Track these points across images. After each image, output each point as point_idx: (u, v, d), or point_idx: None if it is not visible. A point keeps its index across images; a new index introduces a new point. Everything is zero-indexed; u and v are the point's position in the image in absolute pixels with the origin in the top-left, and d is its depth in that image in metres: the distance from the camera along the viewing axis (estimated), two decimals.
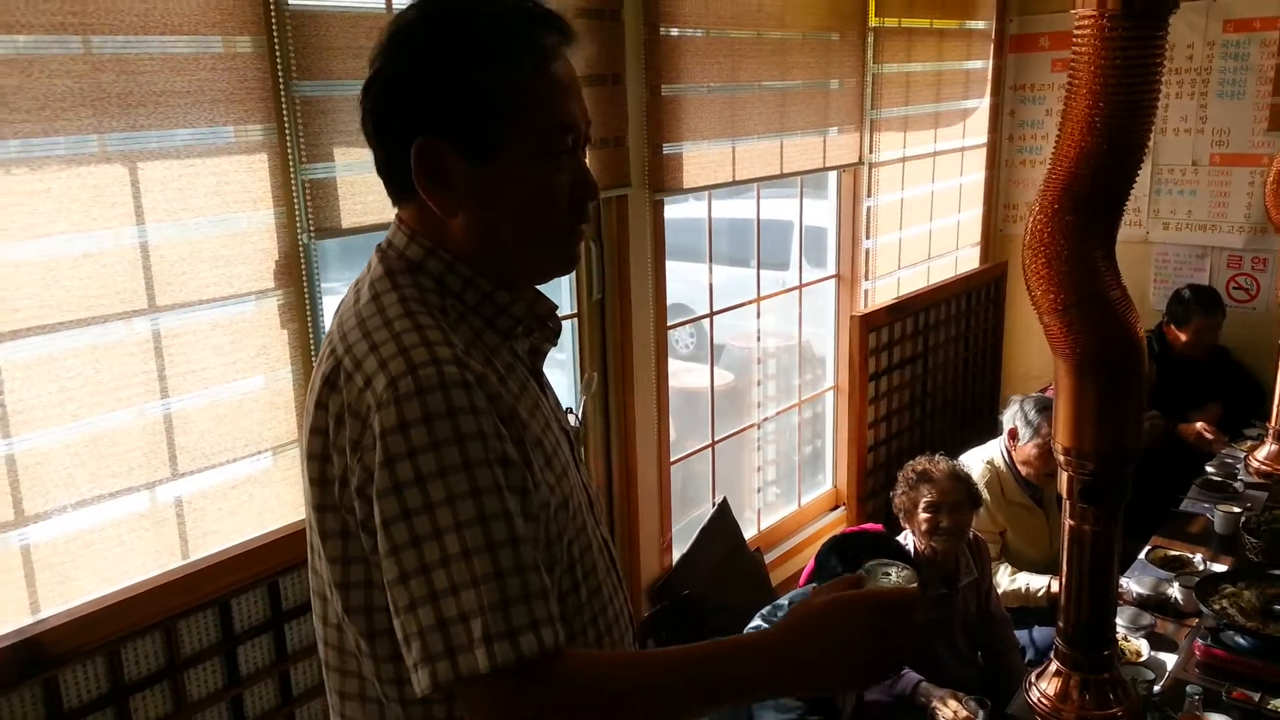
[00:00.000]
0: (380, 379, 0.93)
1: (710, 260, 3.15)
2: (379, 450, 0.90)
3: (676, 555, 2.96)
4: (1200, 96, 4.14)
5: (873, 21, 3.52)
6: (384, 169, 1.05)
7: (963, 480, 2.58)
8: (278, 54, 1.82)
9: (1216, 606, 2.38)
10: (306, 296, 1.93)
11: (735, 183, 3.03)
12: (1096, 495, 1.34)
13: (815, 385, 3.75)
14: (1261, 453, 2.26)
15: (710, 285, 3.17)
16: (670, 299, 2.89)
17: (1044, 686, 1.48)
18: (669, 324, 2.90)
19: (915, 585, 1.03)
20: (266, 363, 1.90)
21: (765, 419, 3.50)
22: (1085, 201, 1.33)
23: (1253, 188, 4.02)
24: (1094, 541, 1.37)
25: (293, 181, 1.87)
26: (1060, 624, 1.43)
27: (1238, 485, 3.32)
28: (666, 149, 2.73)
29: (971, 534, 2.63)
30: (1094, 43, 1.25)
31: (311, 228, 1.91)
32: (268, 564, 1.84)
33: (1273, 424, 2.25)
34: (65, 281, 1.63)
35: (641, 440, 2.77)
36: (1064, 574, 1.43)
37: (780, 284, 3.61)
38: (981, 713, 2.08)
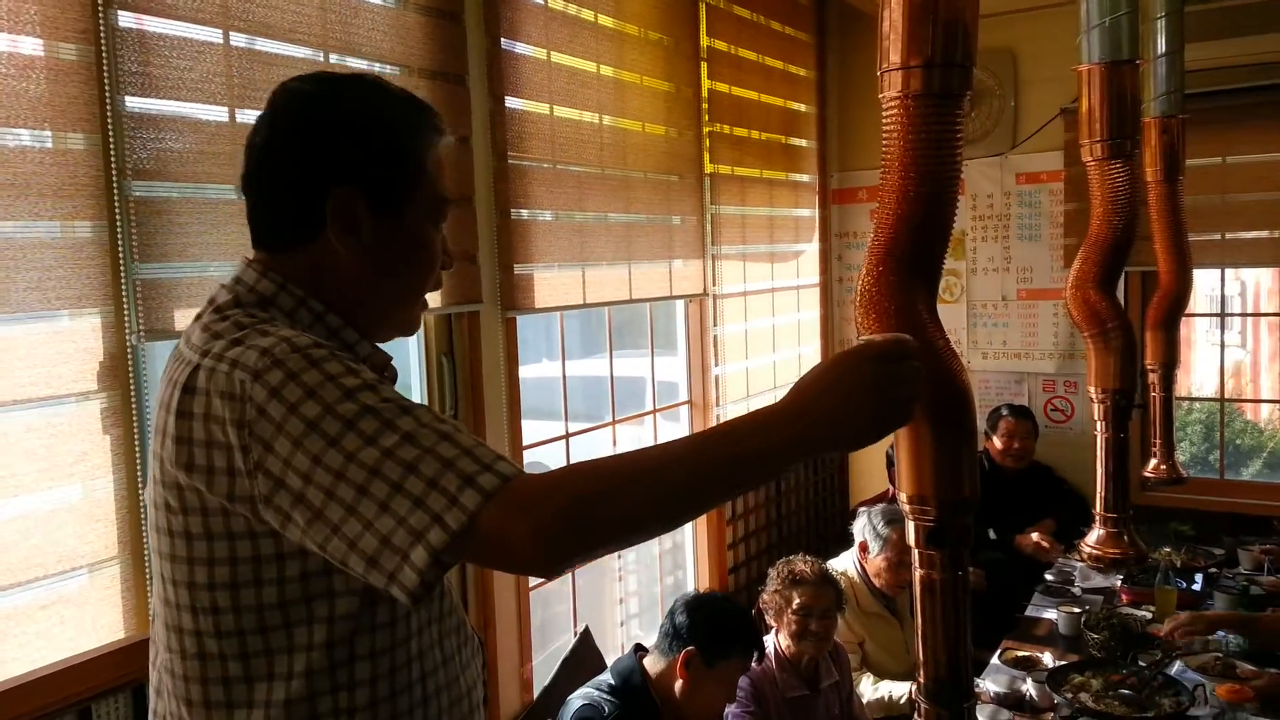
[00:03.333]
0: (250, 354, 0.94)
1: (566, 417, 3.17)
2: (274, 407, 0.90)
3: (537, 690, 2.82)
4: (1004, 239, 4.58)
5: (708, 168, 3.77)
6: (268, 214, 1.09)
7: (833, 585, 2.60)
8: (112, 153, 1.78)
9: (1069, 695, 2.45)
10: (134, 400, 1.81)
11: (586, 305, 3.10)
12: (941, 539, 1.37)
13: None
14: (1091, 538, 2.39)
15: (565, 408, 3.18)
16: (526, 425, 2.87)
17: None
18: (525, 444, 2.87)
19: (908, 337, 1.02)
20: (86, 470, 1.76)
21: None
22: (906, 262, 1.42)
23: (1057, 318, 4.41)
24: (943, 588, 1.39)
25: (123, 280, 1.79)
26: (919, 680, 1.42)
27: (1076, 590, 3.49)
28: (518, 269, 2.78)
29: (833, 643, 2.63)
30: (901, 120, 1.36)
31: (141, 329, 1.82)
32: (79, 687, 1.64)
33: (1099, 511, 2.39)
34: None
35: None
36: (919, 627, 1.43)
37: (637, 422, 3.65)
38: None
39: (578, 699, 1.98)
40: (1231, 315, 5.64)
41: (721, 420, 3.77)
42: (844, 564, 3.11)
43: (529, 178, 2.84)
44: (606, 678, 2.04)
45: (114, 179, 1.78)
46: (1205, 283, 4.86)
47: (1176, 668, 2.73)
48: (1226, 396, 4.57)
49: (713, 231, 3.78)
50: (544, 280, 2.90)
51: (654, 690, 2.01)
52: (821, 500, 4.52)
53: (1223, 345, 4.46)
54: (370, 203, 1.06)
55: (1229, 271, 5.13)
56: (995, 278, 4.59)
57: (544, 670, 2.87)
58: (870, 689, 2.88)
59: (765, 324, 4.21)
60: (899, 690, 2.86)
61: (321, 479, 0.88)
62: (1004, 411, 4.08)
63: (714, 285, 3.78)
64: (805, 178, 4.59)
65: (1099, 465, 2.41)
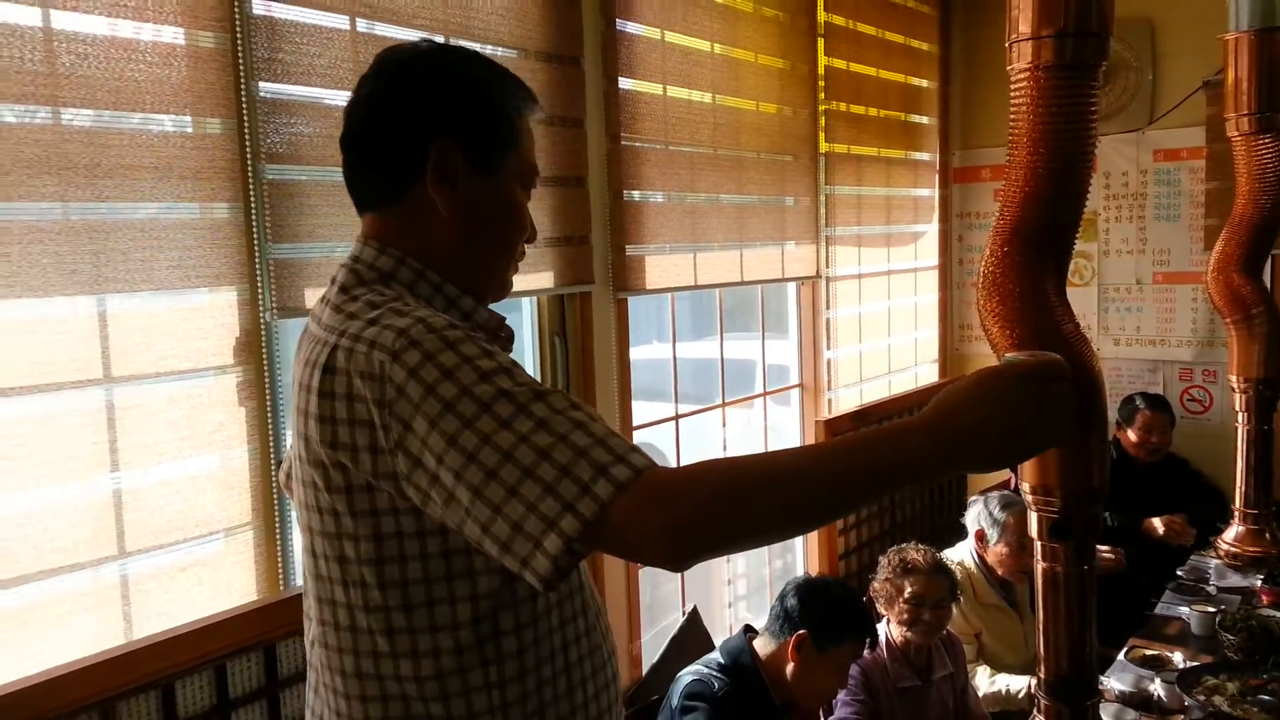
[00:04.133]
0: (387, 334, 0.96)
1: (675, 399, 3.16)
2: (412, 388, 0.92)
3: (646, 667, 2.85)
4: (1139, 219, 4.34)
5: (823, 148, 3.70)
6: (369, 169, 1.11)
7: (946, 575, 2.53)
8: (247, 137, 1.87)
9: (1201, 698, 2.33)
10: (266, 374, 1.91)
11: (698, 286, 3.09)
12: (1066, 531, 1.32)
13: None
14: (1229, 535, 2.26)
15: (675, 389, 3.17)
16: (636, 405, 2.89)
17: None
18: (634, 424, 2.89)
19: (1059, 358, 0.99)
20: (223, 440, 1.86)
21: None
22: (1034, 242, 1.37)
23: (1196, 304, 4.17)
24: (1067, 582, 1.34)
25: (256, 260, 1.88)
26: (1040, 675, 1.38)
27: (1211, 589, 3.30)
28: (629, 250, 2.79)
29: (946, 629, 2.56)
30: (1031, 93, 1.31)
31: (274, 306, 1.90)
32: (215, 645, 1.74)
33: (1238, 506, 2.26)
34: (18, 347, 1.60)
35: None
36: (1040, 621, 1.39)
37: (746, 405, 3.63)
38: None
39: (688, 675, 1.99)
40: None
41: (832, 404, 3.71)
42: (960, 554, 3.02)
43: (641, 159, 2.84)
44: (716, 656, 2.04)
45: (249, 162, 1.87)
46: None
47: None
48: None
49: (827, 213, 3.72)
50: (655, 262, 2.91)
51: (764, 671, 2.00)
52: (937, 488, 4.40)
53: None
54: (467, 157, 1.08)
55: None
56: (1129, 260, 4.36)
57: (652, 649, 2.90)
58: (986, 682, 2.80)
59: (880, 307, 4.12)
60: (1017, 684, 2.77)
61: (455, 461, 0.90)
62: (1139, 403, 3.86)
63: (827, 268, 3.71)
64: (925, 156, 4.46)
65: (1239, 458, 2.29)
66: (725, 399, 3.41)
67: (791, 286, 3.73)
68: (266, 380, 1.91)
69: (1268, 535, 2.24)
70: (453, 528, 0.95)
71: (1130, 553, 3.49)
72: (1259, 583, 3.27)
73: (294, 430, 1.05)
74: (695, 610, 2.97)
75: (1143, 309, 4.31)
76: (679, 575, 3.14)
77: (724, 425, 3.40)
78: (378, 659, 1.02)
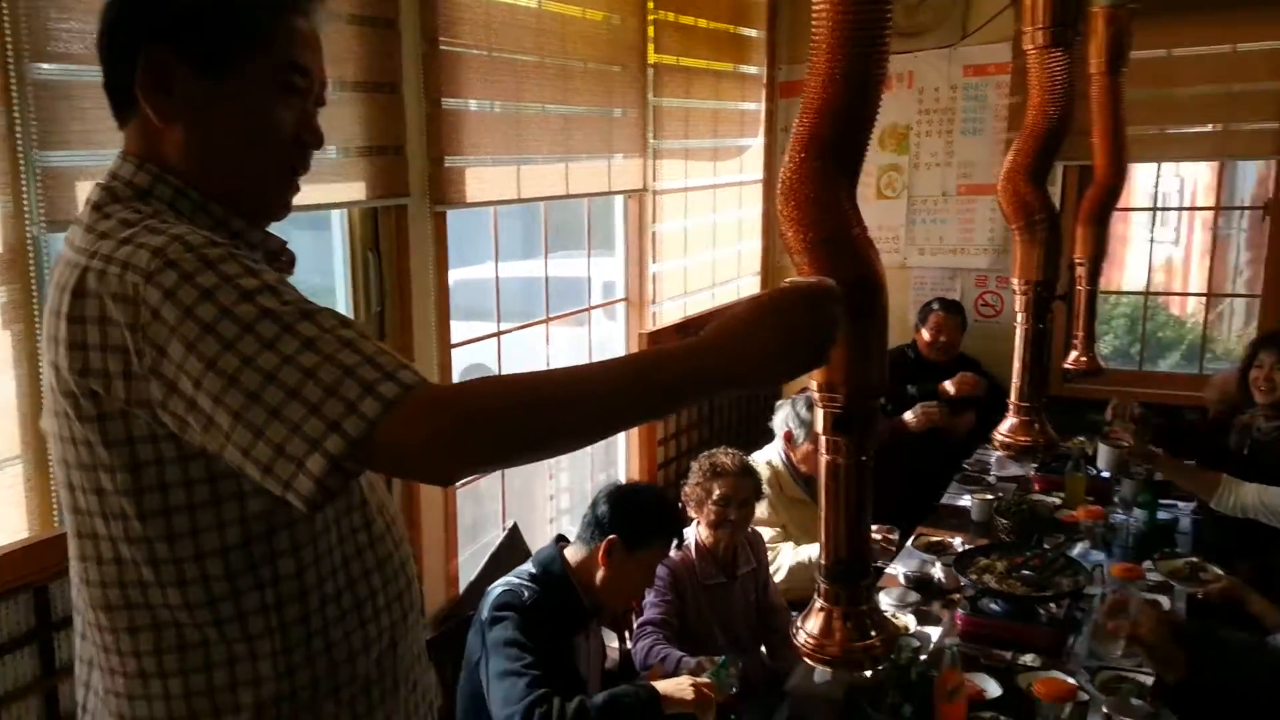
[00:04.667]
0: (141, 254, 0.92)
1: (498, 316, 3.15)
2: (167, 310, 0.89)
3: (463, 586, 2.89)
4: (948, 134, 4.58)
5: (651, 59, 3.69)
6: (109, 83, 1.05)
7: (752, 475, 2.69)
8: (8, 33, 1.71)
9: (973, 576, 2.59)
10: (35, 293, 1.78)
11: (521, 200, 3.08)
12: (848, 425, 1.42)
13: None
14: (1004, 426, 2.48)
15: (497, 305, 3.17)
16: (463, 325, 2.87)
17: (809, 626, 1.55)
18: (453, 342, 2.89)
19: (832, 283, 1.05)
20: None
21: None
22: (829, 150, 1.43)
23: (994, 214, 4.46)
24: (847, 473, 1.45)
25: (22, 168, 1.75)
26: (822, 561, 1.50)
27: (991, 478, 3.65)
28: (449, 162, 2.74)
29: (750, 528, 2.74)
30: (828, 6, 1.36)
31: (43, 219, 1.78)
32: None
33: (1014, 400, 2.48)
34: None
35: None
36: (823, 510, 1.50)
37: (575, 322, 3.67)
38: (731, 669, 2.10)
39: (498, 586, 2.06)
40: (1166, 210, 5.74)
41: (656, 317, 3.81)
42: (768, 455, 3.21)
43: (461, 65, 2.77)
44: (528, 566, 2.12)
45: (10, 61, 1.72)
46: (1145, 179, 4.92)
47: (1078, 549, 2.90)
48: (1151, 290, 4.69)
49: (654, 125, 3.74)
50: (477, 174, 2.87)
51: (574, 577, 2.10)
52: (751, 396, 4.60)
53: (1152, 240, 4.55)
54: (187, 59, 1.01)
55: (1168, 168, 5.19)
56: (937, 173, 4.61)
57: (471, 566, 2.94)
58: (792, 555, 3.02)
59: (706, 221, 4.21)
60: (817, 551, 2.99)
61: (214, 385, 0.87)
62: (934, 306, 4.16)
63: (654, 181, 3.75)
64: (753, 70, 4.52)
65: (1017, 355, 2.48)
66: (549, 315, 3.44)
67: (618, 202, 3.76)
68: (35, 300, 1.78)
69: (1037, 426, 2.47)
70: (214, 453, 0.93)
71: (927, 447, 3.78)
72: (1033, 471, 3.64)
73: (45, 360, 1.01)
74: (515, 526, 3.03)
75: (947, 220, 4.58)
76: (501, 492, 3.18)
77: (548, 342, 3.44)
78: (144, 588, 1.01)
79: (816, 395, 1.52)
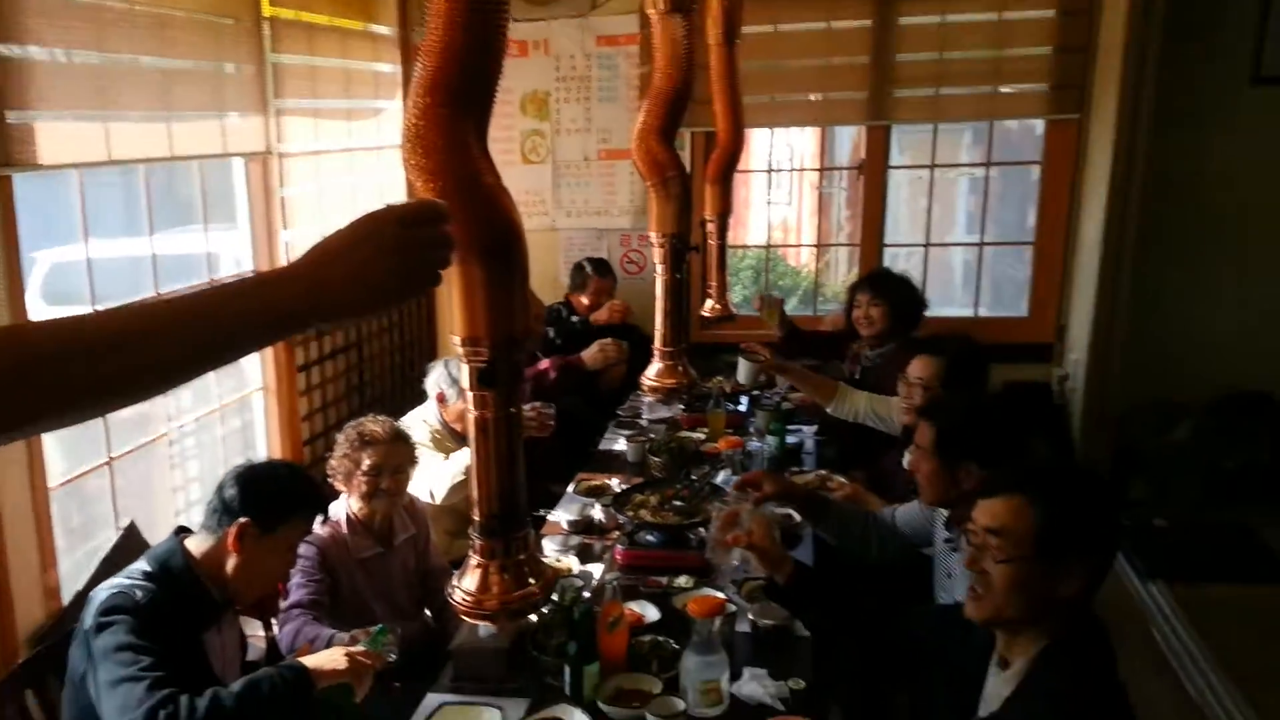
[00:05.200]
0: None
1: (92, 300, 2.74)
2: None
3: (68, 597, 2.53)
4: (586, 101, 4.70)
5: (267, 11, 3.41)
6: None
7: (405, 441, 2.58)
8: None
9: (629, 513, 2.70)
10: None
11: (112, 162, 2.71)
12: (493, 378, 1.39)
13: (240, 390, 3.51)
14: (651, 371, 2.59)
15: (90, 287, 2.76)
16: (59, 311, 2.48)
17: (465, 584, 1.50)
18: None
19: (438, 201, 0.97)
20: None
21: (180, 427, 3.17)
22: (454, 95, 1.37)
23: (633, 177, 4.66)
24: (496, 427, 1.42)
25: None
26: (475, 518, 1.46)
27: (643, 421, 3.84)
28: (12, 117, 2.34)
29: (408, 496, 2.65)
30: None
31: None
32: None
33: (658, 346, 2.60)
34: None
35: (5, 461, 2.31)
36: (474, 466, 1.46)
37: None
38: (389, 636, 2.04)
39: (104, 590, 1.79)
40: (779, 171, 6.34)
41: None
42: (421, 415, 3.13)
43: (21, 5, 2.37)
44: (140, 564, 1.87)
45: None
46: (761, 144, 5.37)
47: (722, 477, 3.11)
48: (771, 244, 5.15)
49: (276, 83, 3.46)
50: (51, 132, 2.48)
51: (199, 570, 1.89)
52: (408, 363, 4.48)
53: (770, 202, 5.00)
54: None
55: (780, 134, 5.71)
56: (578, 138, 4.72)
57: (78, 575, 2.59)
58: (447, 465, 2.95)
59: (343, 184, 4.00)
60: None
61: None
62: (589, 270, 4.28)
63: (279, 143, 3.49)
64: (385, 30, 4.34)
65: (658, 305, 2.61)
66: (160, 296, 3.09)
67: (239, 168, 3.45)
68: None
69: (680, 369, 2.61)
70: None
71: (586, 398, 3.88)
72: (680, 411, 3.87)
73: None
74: (133, 525, 2.69)
75: (590, 183, 4.72)
76: (110, 489, 2.79)
77: None
78: None
79: (461, 351, 1.48)
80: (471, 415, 1.46)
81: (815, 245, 5.28)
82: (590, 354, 3.75)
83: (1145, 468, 4.45)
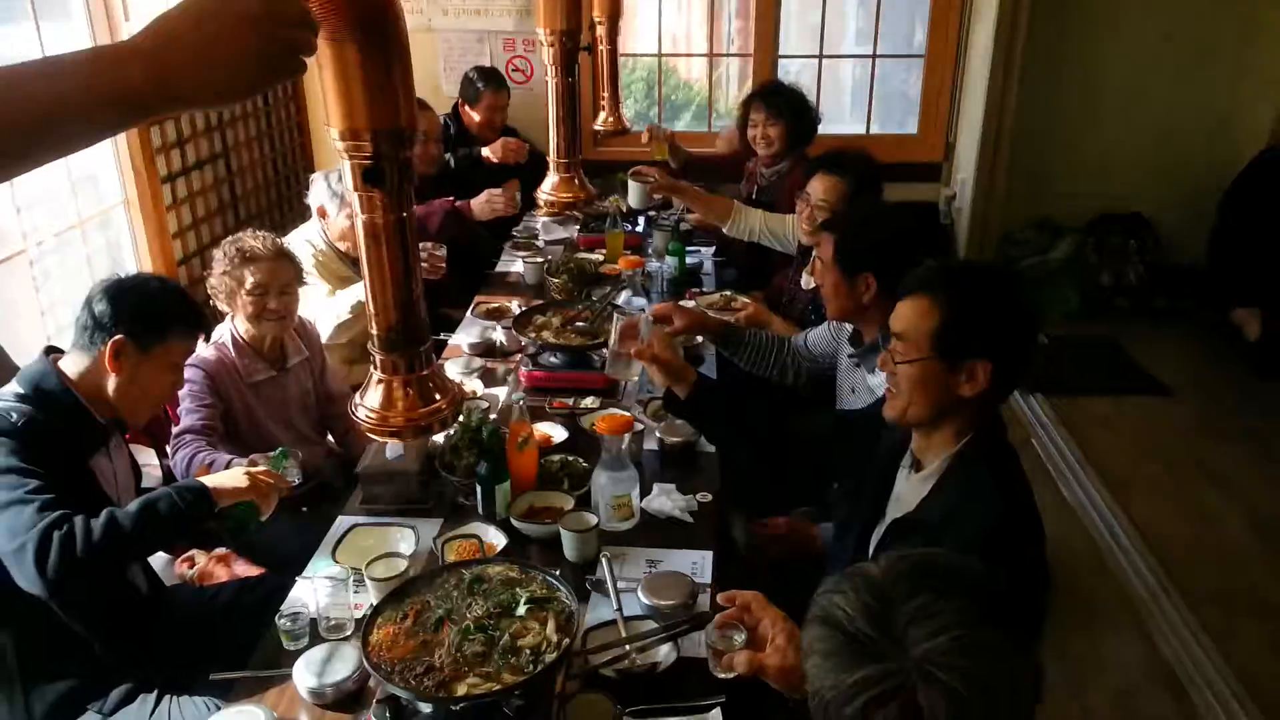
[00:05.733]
0: None
1: None
2: None
3: None
4: None
5: None
6: None
7: (290, 259, 2.39)
8: None
9: (532, 334, 2.62)
10: None
11: None
12: (380, 176, 1.25)
13: (101, 204, 3.19)
14: (546, 185, 2.46)
15: None
16: None
17: (369, 401, 1.41)
18: None
19: None
20: None
21: (40, 245, 2.87)
22: None
23: None
24: (387, 232, 1.29)
25: None
26: (374, 331, 1.34)
27: (540, 243, 3.71)
28: None
29: (298, 316, 2.49)
30: None
31: None
32: None
33: (552, 158, 2.45)
34: None
35: None
36: (365, 279, 1.33)
37: None
38: (291, 460, 1.94)
39: None
40: None
41: None
42: (305, 235, 2.91)
43: None
44: (12, 387, 1.69)
45: None
46: None
47: (623, 298, 3.05)
48: (663, 53, 4.93)
49: None
50: None
51: (77, 391, 1.73)
52: (284, 180, 4.17)
53: (660, 10, 4.74)
54: None
55: None
56: None
57: None
58: (332, 305, 2.82)
59: None
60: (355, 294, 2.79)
61: None
62: (480, 84, 3.97)
63: None
64: None
65: (550, 111, 2.44)
66: None
67: None
68: None
69: (576, 182, 2.48)
70: None
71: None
72: (577, 232, 3.75)
73: None
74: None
75: None
76: None
77: None
78: None
79: (340, 146, 1.32)
80: (359, 220, 1.32)
81: (708, 55, 5.07)
82: (479, 204, 3.47)
83: (1026, 286, 4.64)
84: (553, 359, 2.59)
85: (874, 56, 4.79)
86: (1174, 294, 4.62)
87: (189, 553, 2.19)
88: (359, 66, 1.23)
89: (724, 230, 3.28)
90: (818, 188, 2.71)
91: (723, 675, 1.38)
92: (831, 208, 2.64)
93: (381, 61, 1.23)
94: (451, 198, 3.44)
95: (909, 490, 1.62)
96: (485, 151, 3.83)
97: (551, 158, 2.50)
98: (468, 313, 3.05)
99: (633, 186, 3.35)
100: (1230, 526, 3.19)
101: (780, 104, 3.53)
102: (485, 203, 3.46)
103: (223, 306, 2.36)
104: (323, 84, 1.26)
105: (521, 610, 1.50)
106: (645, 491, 2.04)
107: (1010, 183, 4.49)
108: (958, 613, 0.91)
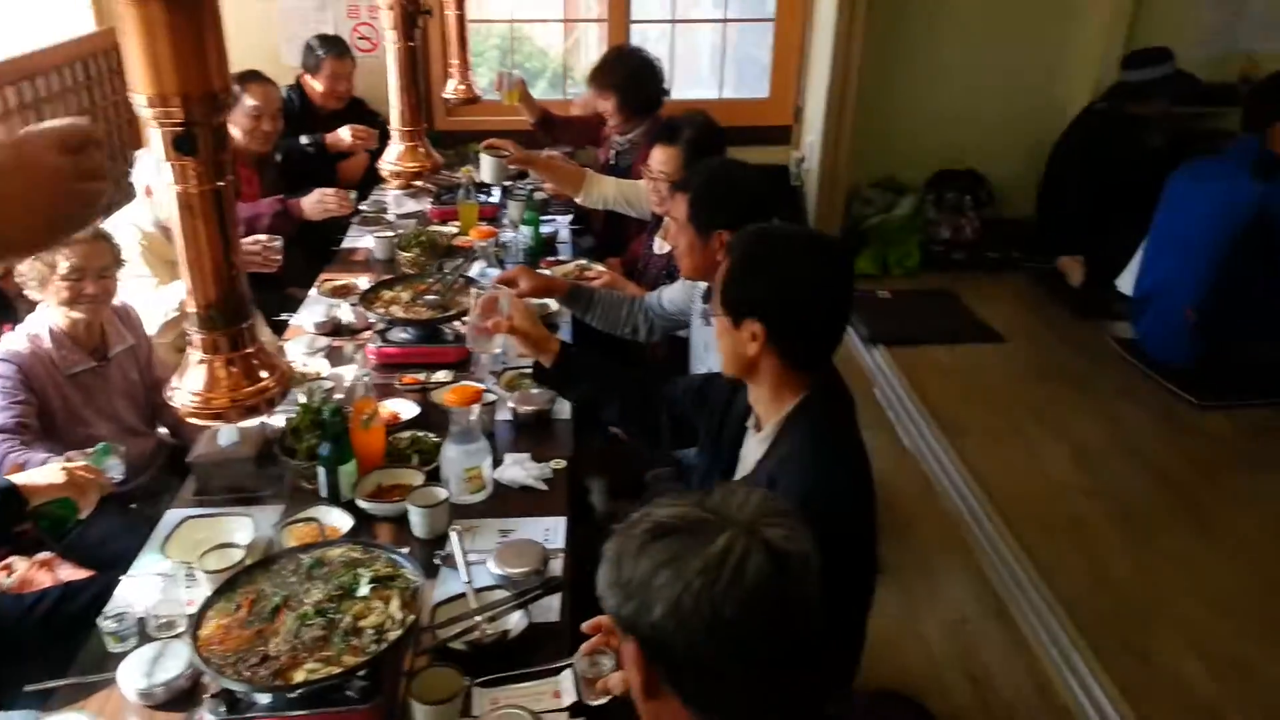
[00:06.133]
0: None
1: None
2: None
3: None
4: None
5: None
6: None
7: (108, 240, 2.25)
8: None
9: (380, 310, 2.56)
10: None
11: None
12: (192, 144, 1.18)
13: None
14: (390, 155, 2.38)
15: None
16: None
17: (189, 384, 1.34)
18: None
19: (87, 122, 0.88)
20: None
21: None
22: None
23: None
24: (202, 202, 1.22)
25: None
26: (190, 310, 1.28)
27: (390, 217, 3.62)
28: None
29: (119, 301, 2.36)
30: None
31: None
32: None
33: (395, 127, 2.37)
34: None
35: None
36: (180, 253, 1.26)
37: None
38: (114, 455, 1.84)
39: None
40: None
41: None
42: (130, 217, 2.76)
43: None
44: None
45: None
46: None
47: (476, 269, 3.02)
48: (515, 19, 4.86)
49: None
50: None
51: None
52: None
53: None
54: None
55: None
56: None
57: None
58: (157, 301, 2.70)
59: None
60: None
61: None
62: (322, 51, 3.81)
63: None
64: None
65: (392, 79, 2.36)
66: None
67: None
68: None
69: (421, 150, 2.42)
70: None
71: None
72: (429, 205, 3.68)
73: None
74: None
75: None
76: None
77: None
78: None
79: (149, 114, 1.25)
80: (172, 193, 1.26)
81: (562, 20, 5.02)
82: (310, 203, 3.26)
83: (871, 243, 4.80)
84: (403, 334, 2.54)
85: (725, 21, 4.83)
86: (1006, 246, 4.88)
87: (7, 559, 2.06)
88: (166, 26, 1.17)
89: (578, 200, 3.27)
90: (657, 158, 2.74)
91: (596, 702, 1.36)
92: (670, 178, 2.66)
93: (190, 20, 1.17)
94: (281, 196, 3.26)
95: (750, 450, 1.66)
96: (342, 134, 3.69)
97: (394, 126, 2.43)
98: (311, 291, 2.95)
99: (485, 161, 3.29)
100: (1052, 461, 3.41)
101: (605, 80, 3.53)
102: (317, 202, 3.25)
103: (34, 295, 2.21)
104: (124, 48, 1.19)
105: (364, 590, 1.48)
106: (498, 463, 2.03)
107: (856, 144, 4.62)
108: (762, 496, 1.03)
